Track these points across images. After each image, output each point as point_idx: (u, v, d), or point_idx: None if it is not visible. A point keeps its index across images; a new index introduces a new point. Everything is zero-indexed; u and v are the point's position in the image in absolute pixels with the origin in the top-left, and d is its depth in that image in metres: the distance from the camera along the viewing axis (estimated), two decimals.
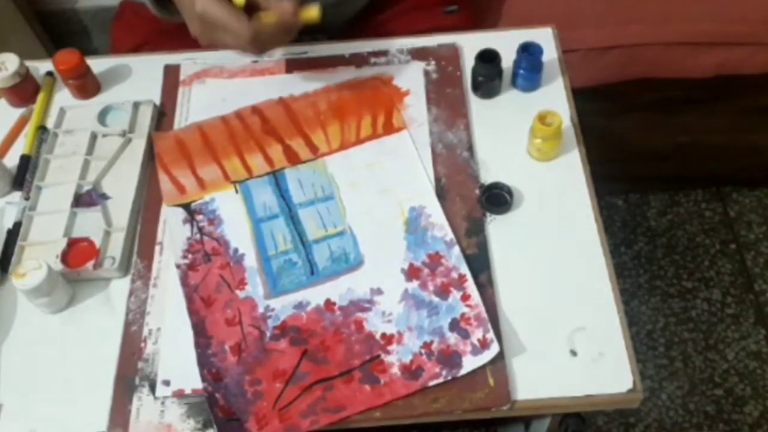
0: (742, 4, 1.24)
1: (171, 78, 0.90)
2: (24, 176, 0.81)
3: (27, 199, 0.79)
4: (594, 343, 0.68)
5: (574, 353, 0.67)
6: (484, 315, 0.69)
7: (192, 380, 0.68)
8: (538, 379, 0.66)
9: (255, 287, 0.73)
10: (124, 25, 1.05)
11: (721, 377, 1.42)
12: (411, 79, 0.88)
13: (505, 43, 0.86)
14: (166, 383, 0.68)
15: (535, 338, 0.68)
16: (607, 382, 0.66)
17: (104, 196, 0.80)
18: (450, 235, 0.74)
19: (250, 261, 0.75)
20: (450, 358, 0.67)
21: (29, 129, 0.86)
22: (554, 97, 0.85)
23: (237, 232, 0.77)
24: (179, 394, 0.67)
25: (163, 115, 0.87)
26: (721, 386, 1.41)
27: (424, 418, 0.66)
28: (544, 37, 0.89)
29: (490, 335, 0.68)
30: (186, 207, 0.79)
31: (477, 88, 0.86)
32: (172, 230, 0.77)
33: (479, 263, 0.73)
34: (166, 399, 0.67)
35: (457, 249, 0.73)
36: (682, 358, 1.45)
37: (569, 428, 0.95)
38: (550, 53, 0.87)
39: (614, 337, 0.68)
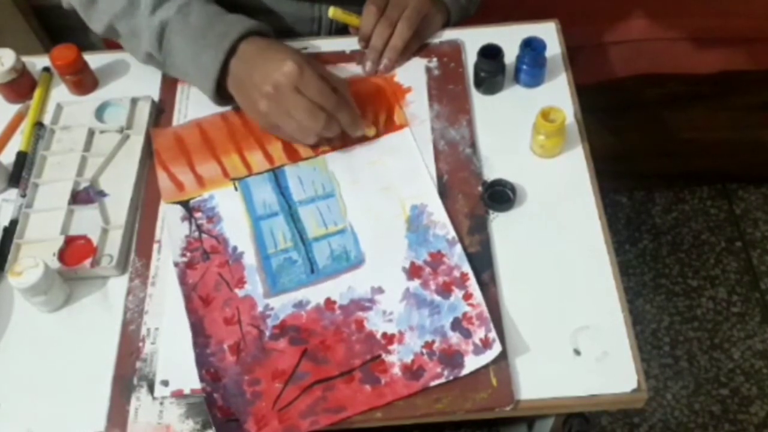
0: (747, 0, 1.23)
1: None
2: (20, 173, 0.80)
3: (23, 196, 0.78)
4: (598, 342, 0.67)
5: (577, 352, 0.66)
6: (487, 314, 0.68)
7: (191, 380, 0.67)
8: (542, 378, 0.65)
9: (254, 286, 0.72)
10: None
11: (726, 377, 1.41)
12: (412, 75, 0.87)
13: (508, 38, 0.85)
14: (165, 383, 0.67)
15: (538, 337, 0.67)
16: (611, 382, 0.65)
17: (102, 194, 0.79)
18: (452, 233, 0.73)
19: (250, 259, 0.74)
20: (452, 358, 0.66)
21: (26, 125, 0.85)
22: (558, 93, 0.84)
23: (236, 229, 0.76)
24: (178, 395, 0.66)
25: (161, 112, 0.86)
26: (726, 386, 1.40)
27: (427, 419, 0.65)
28: (548, 32, 0.88)
29: (493, 335, 0.67)
30: (184, 204, 0.78)
31: (479, 84, 0.85)
32: (171, 228, 0.76)
33: (482, 261, 0.72)
34: (164, 399, 0.66)
35: (459, 247, 0.72)
36: (687, 358, 1.44)
37: (573, 428, 0.94)
38: (553, 48, 0.86)
39: (618, 336, 0.67)
